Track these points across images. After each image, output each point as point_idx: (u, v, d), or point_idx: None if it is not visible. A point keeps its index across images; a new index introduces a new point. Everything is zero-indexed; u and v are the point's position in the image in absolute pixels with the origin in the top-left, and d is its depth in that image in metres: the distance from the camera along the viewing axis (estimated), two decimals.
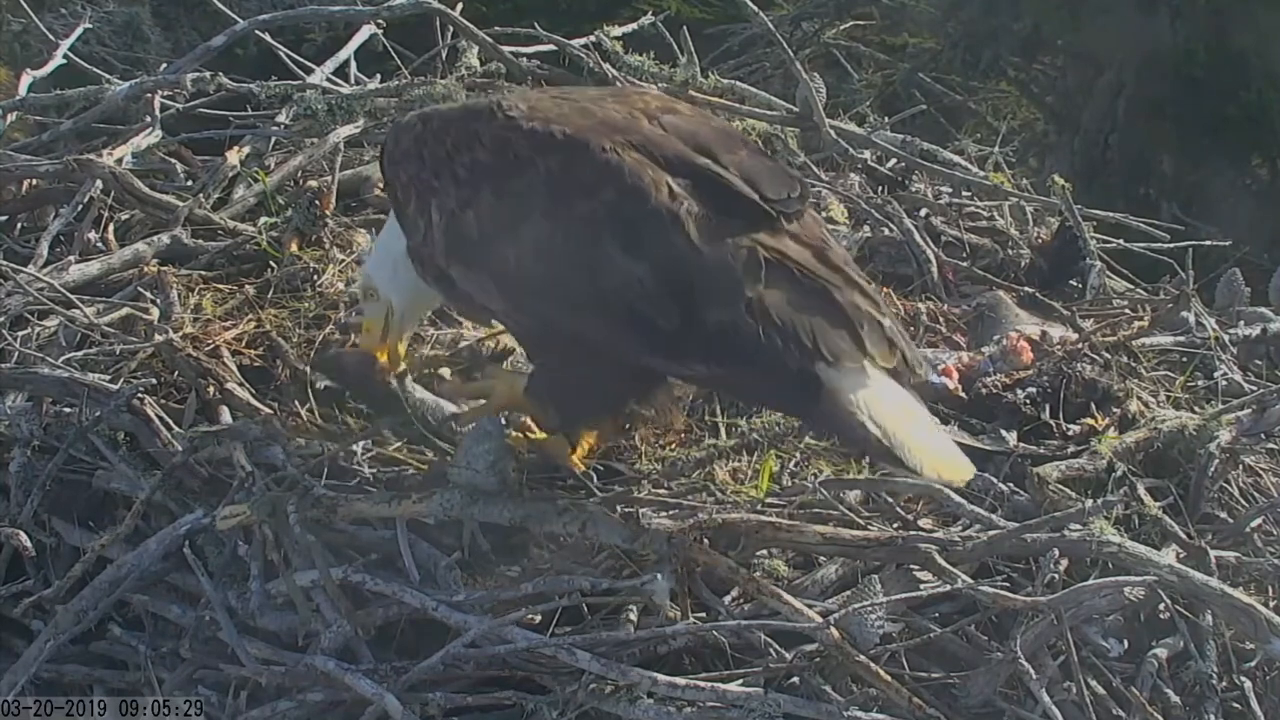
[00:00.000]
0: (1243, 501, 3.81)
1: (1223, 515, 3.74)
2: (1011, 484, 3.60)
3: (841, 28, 9.53)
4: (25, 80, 5.54)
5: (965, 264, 4.78)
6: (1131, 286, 5.07)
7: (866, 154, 5.39)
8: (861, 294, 3.17)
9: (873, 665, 3.07)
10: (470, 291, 3.37)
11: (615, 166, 3.16)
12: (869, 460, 3.53)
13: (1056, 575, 3.23)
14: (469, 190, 3.29)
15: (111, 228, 4.67)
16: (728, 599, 3.27)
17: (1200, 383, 4.25)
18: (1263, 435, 4.01)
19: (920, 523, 3.44)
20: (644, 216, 3.12)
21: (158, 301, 4.22)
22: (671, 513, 3.41)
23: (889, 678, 3.06)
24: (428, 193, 3.37)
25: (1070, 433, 3.80)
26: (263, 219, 4.60)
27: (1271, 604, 3.36)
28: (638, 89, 4.17)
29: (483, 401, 3.67)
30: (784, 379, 3.07)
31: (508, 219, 3.23)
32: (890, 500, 3.52)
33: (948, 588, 3.21)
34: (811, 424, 3.50)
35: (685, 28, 5.55)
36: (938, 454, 3.08)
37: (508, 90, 4.96)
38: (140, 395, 3.73)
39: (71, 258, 4.42)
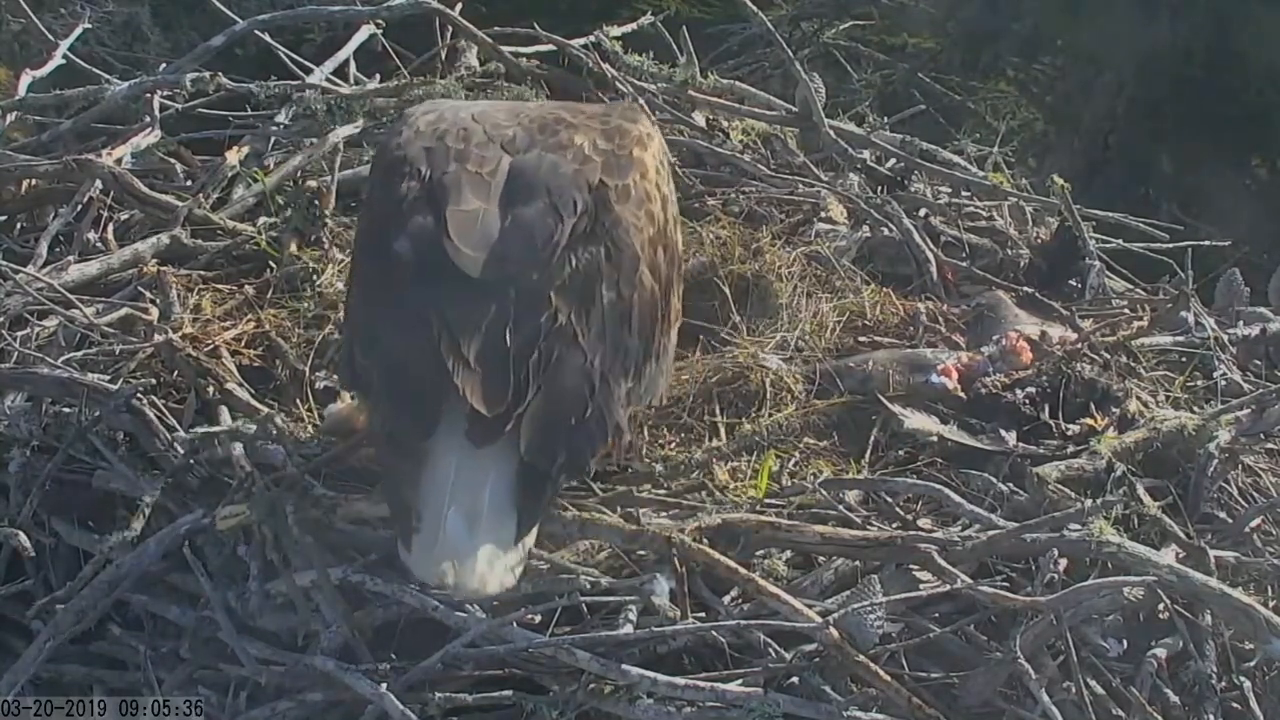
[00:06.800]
0: (1242, 501, 3.81)
1: (1222, 515, 3.74)
2: (1011, 484, 3.60)
3: (841, 28, 9.48)
4: (24, 80, 5.51)
5: (964, 264, 4.77)
6: (1131, 286, 5.06)
7: (866, 154, 5.38)
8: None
9: (872, 665, 3.07)
10: None
11: (382, 250, 3.27)
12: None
13: (1056, 575, 3.23)
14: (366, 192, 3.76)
15: (111, 228, 4.66)
16: (727, 599, 3.27)
17: (1200, 383, 4.24)
18: (1262, 435, 4.02)
19: (920, 523, 3.44)
20: (377, 310, 3.24)
21: (157, 301, 4.21)
22: (671, 513, 3.42)
23: (888, 678, 3.06)
24: None
25: (1070, 433, 3.79)
26: (262, 219, 4.60)
27: (1271, 604, 3.35)
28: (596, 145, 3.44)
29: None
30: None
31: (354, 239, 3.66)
32: (890, 500, 3.52)
33: (947, 588, 3.21)
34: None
35: (685, 27, 5.56)
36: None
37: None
38: (140, 395, 3.72)
39: (71, 258, 4.41)
